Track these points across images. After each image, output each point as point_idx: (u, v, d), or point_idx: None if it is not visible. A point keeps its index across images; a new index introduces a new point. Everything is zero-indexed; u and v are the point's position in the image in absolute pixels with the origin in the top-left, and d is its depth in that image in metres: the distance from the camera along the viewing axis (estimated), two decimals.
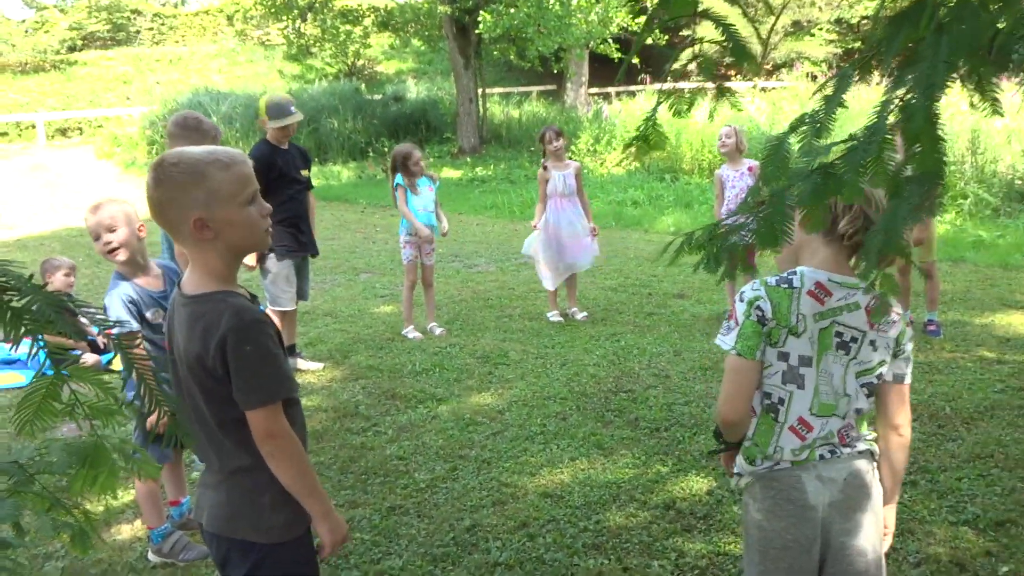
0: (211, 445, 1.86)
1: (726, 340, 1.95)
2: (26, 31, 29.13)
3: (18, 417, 1.25)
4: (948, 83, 1.30)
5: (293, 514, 1.87)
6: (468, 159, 16.87)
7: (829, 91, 1.67)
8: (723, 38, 1.78)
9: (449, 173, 15.80)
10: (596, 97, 21.87)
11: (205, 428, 1.85)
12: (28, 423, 1.25)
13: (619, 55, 18.64)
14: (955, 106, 11.18)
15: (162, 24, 34.08)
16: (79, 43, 31.26)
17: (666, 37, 19.64)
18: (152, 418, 2.95)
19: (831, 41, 25.29)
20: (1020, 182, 10.17)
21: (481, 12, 16.04)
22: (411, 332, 6.01)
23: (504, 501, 3.56)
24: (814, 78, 20.00)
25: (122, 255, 3.02)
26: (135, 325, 2.98)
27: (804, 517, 1.95)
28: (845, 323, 1.91)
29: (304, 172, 5.25)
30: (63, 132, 22.52)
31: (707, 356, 5.34)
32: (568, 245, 6.28)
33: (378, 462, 3.96)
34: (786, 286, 1.92)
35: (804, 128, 1.64)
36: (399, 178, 5.93)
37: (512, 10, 15.58)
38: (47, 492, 1.39)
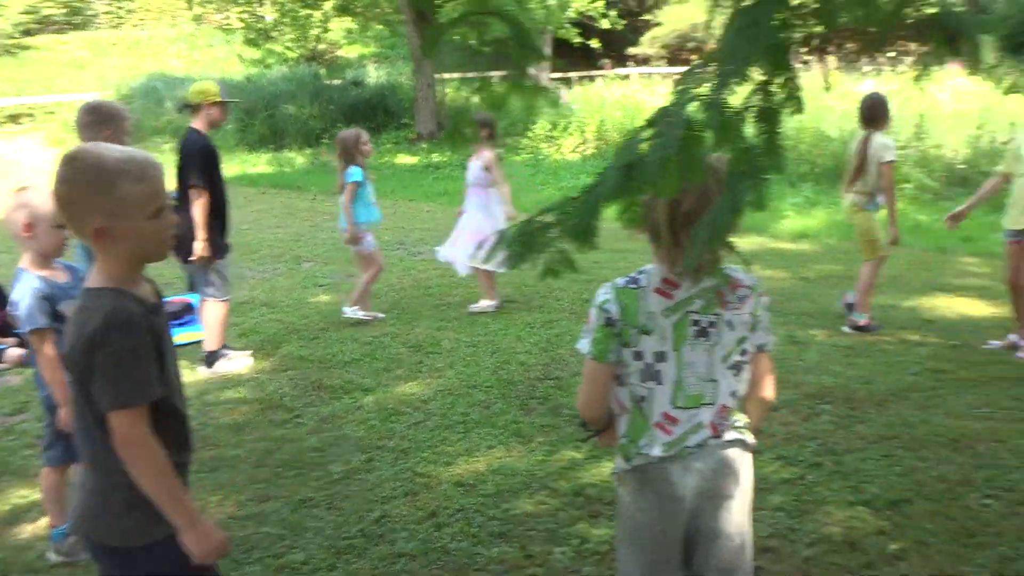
0: (79, 441, 1.87)
1: (582, 344, 2.00)
2: None
3: None
4: (739, 81, 1.32)
5: (150, 515, 1.80)
6: (425, 145, 16.77)
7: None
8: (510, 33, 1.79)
9: (405, 159, 15.73)
10: (556, 82, 21.82)
11: (76, 423, 1.85)
12: None
13: (580, 40, 18.63)
14: (904, 93, 11.34)
15: (120, 7, 33.45)
16: (33, 27, 30.61)
17: (624, 22, 19.63)
18: (62, 414, 2.95)
19: None
20: (962, 166, 10.33)
21: None
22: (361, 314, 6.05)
23: (417, 491, 3.58)
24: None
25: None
26: (44, 322, 2.94)
27: (672, 509, 1.99)
28: (699, 310, 1.95)
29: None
30: (14, 119, 22.06)
31: None
32: (453, 236, 6.30)
33: (295, 454, 3.95)
34: (634, 286, 1.95)
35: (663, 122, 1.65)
36: (357, 173, 5.81)
37: None
38: None
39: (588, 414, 2.06)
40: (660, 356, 1.95)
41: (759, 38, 1.29)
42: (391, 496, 3.54)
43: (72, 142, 15.98)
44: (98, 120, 4.04)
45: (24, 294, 2.92)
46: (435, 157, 15.61)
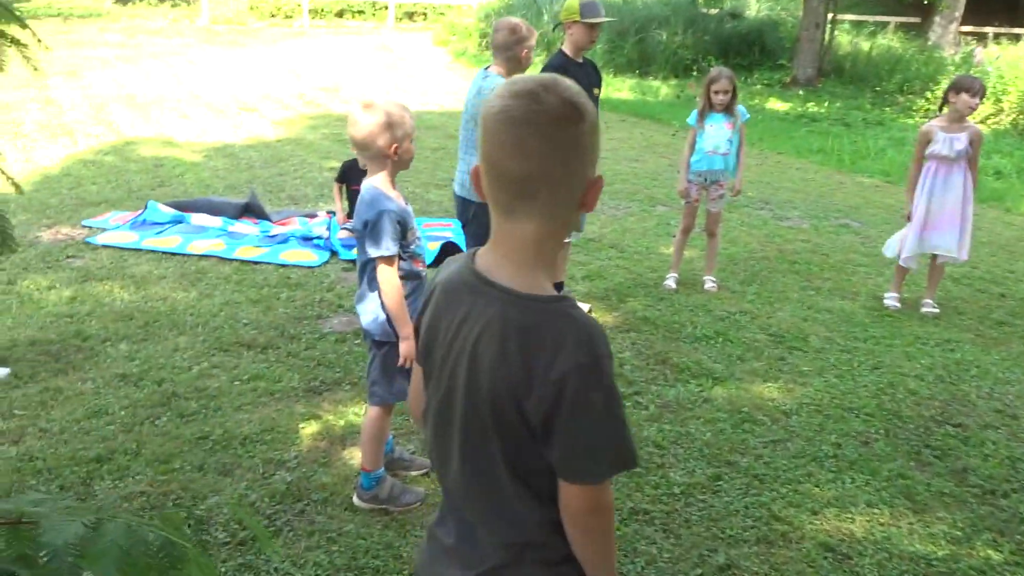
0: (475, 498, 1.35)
1: None
2: None
3: None
4: None
5: None
6: (800, 92, 15.15)
7: None
8: None
9: (775, 105, 14.34)
10: (968, 37, 18.62)
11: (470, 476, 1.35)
12: None
13: None
14: None
15: None
16: None
17: None
18: (403, 348, 2.68)
19: None
20: None
21: None
22: (670, 281, 5.38)
23: (772, 540, 2.88)
24: None
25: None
26: (395, 249, 2.70)
27: None
28: None
29: (596, 91, 4.66)
30: (410, 16, 23.87)
31: None
32: (933, 217, 5.11)
33: None
34: None
35: None
36: (693, 117, 5.27)
37: None
38: None
39: None
40: None
41: None
42: (740, 538, 2.88)
43: (455, 44, 16.62)
44: (518, 39, 4.02)
45: (379, 216, 2.67)
46: (811, 107, 14.05)
